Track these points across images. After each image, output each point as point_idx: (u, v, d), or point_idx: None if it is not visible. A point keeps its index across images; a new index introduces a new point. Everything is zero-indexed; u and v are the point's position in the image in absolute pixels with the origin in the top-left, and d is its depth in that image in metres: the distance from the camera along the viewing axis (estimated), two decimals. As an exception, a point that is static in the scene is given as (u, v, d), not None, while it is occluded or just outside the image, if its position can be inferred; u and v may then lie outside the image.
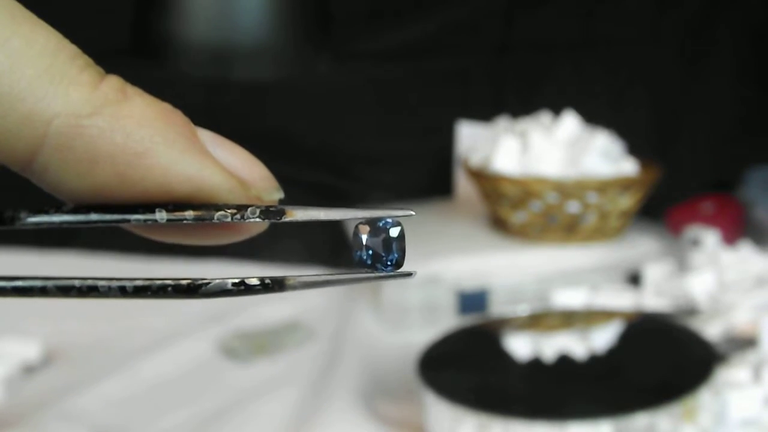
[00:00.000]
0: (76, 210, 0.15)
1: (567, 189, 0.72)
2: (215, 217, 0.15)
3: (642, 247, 0.76)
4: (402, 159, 0.95)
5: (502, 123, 0.82)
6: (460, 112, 0.92)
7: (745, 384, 0.50)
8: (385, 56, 0.93)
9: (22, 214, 0.15)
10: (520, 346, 0.56)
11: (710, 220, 0.79)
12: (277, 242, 0.78)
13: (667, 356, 0.53)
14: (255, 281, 0.15)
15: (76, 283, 0.15)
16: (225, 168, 0.15)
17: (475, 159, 0.79)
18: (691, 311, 0.64)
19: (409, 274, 0.17)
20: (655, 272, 0.70)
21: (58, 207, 0.15)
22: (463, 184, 0.89)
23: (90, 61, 0.14)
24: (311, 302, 0.73)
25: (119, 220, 0.15)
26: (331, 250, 0.81)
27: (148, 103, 0.14)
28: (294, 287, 0.16)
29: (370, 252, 0.16)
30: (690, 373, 0.47)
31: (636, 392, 0.48)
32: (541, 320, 0.60)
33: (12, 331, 0.65)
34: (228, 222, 0.15)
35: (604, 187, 0.72)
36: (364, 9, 0.92)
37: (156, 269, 0.79)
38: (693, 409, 0.45)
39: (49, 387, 0.59)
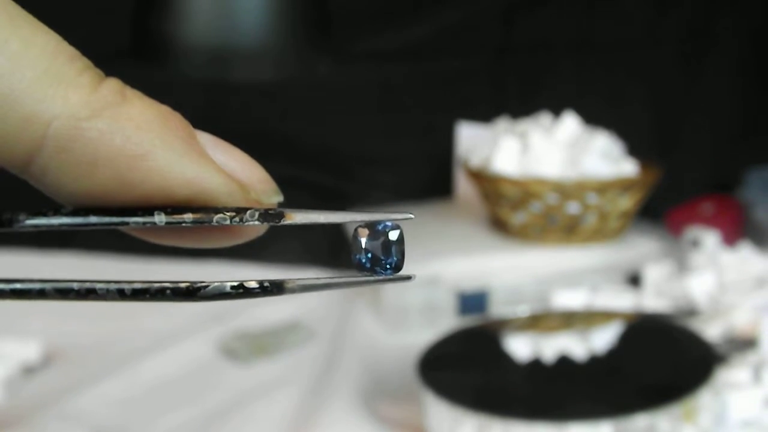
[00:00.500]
0: (74, 212, 0.15)
1: (567, 190, 0.72)
2: (214, 220, 0.15)
3: (642, 248, 0.76)
4: (402, 160, 0.95)
5: (502, 124, 0.82)
6: (460, 112, 0.92)
7: (745, 385, 0.50)
8: (385, 57, 0.93)
9: (21, 216, 0.15)
10: (520, 346, 0.56)
11: (710, 221, 0.79)
12: (277, 243, 0.78)
13: (667, 357, 0.53)
14: (254, 284, 0.15)
15: (75, 285, 0.15)
16: (224, 171, 0.15)
17: (475, 160, 0.79)
18: (691, 312, 0.64)
19: (408, 278, 0.17)
20: (655, 273, 0.70)
21: (57, 209, 0.15)
22: (463, 185, 0.89)
23: (89, 63, 0.14)
24: (311, 303, 0.73)
25: (118, 223, 0.15)
26: (331, 251, 0.81)
27: (147, 106, 0.14)
28: (293, 290, 0.16)
29: (370, 255, 0.16)
30: (690, 374, 0.47)
31: (636, 393, 0.48)
32: (541, 321, 0.60)
33: (12, 332, 0.65)
34: (227, 225, 0.15)
35: (604, 187, 0.72)
36: (365, 10, 0.92)
37: (155, 270, 0.79)
38: (693, 410, 0.45)
39: (49, 387, 0.59)
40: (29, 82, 0.13)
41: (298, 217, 0.16)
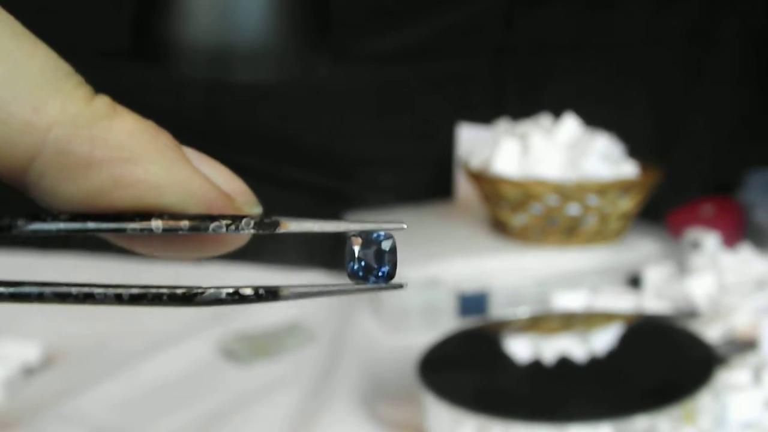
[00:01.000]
0: (72, 218, 0.15)
1: (567, 191, 0.72)
2: (210, 228, 0.15)
3: (642, 250, 0.76)
4: (402, 161, 0.95)
5: (503, 125, 0.82)
6: (461, 114, 0.92)
7: (745, 386, 0.50)
8: (385, 58, 0.93)
9: (20, 222, 0.15)
10: (520, 348, 0.56)
11: (710, 223, 0.79)
12: (273, 246, 0.78)
13: (667, 358, 0.53)
14: (249, 291, 0.16)
15: (73, 290, 0.16)
16: (210, 180, 0.16)
17: (476, 161, 0.79)
18: (692, 314, 0.64)
19: (399, 286, 0.17)
20: (656, 275, 0.70)
21: (55, 215, 0.15)
22: (463, 187, 0.89)
23: (82, 79, 0.15)
24: (311, 304, 0.73)
25: (115, 229, 0.15)
26: (328, 254, 0.81)
27: (137, 119, 0.15)
28: (287, 297, 0.16)
29: (363, 263, 0.17)
30: (690, 376, 0.47)
31: (636, 394, 0.48)
32: (541, 322, 0.60)
33: (12, 333, 0.65)
34: (223, 233, 0.16)
35: (604, 189, 0.72)
36: (365, 11, 0.93)
37: (152, 272, 0.78)
38: (693, 412, 0.45)
39: (49, 389, 0.59)
40: (31, 91, 0.14)
41: (292, 226, 0.16)
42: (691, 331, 0.55)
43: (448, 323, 0.66)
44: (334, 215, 0.83)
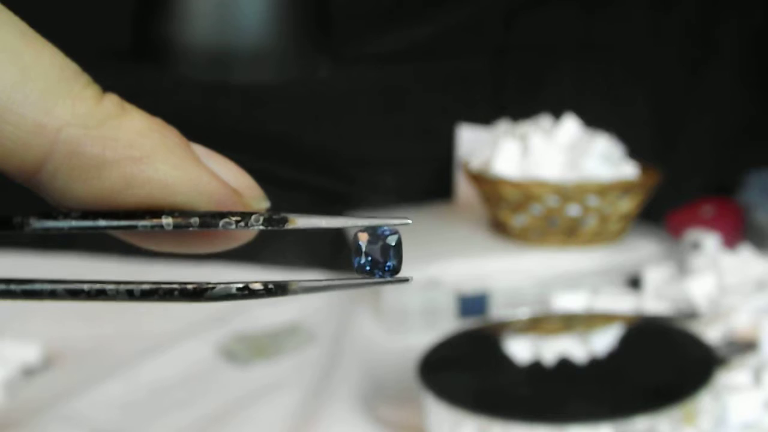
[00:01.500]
0: (83, 216, 0.15)
1: (567, 192, 0.72)
2: (220, 224, 0.16)
3: (642, 251, 0.76)
4: (402, 162, 0.95)
5: (503, 126, 0.82)
6: (461, 115, 0.92)
7: (745, 387, 0.50)
8: (385, 59, 0.93)
9: (31, 220, 0.15)
10: (520, 349, 0.56)
11: (710, 224, 0.79)
12: (280, 245, 0.78)
13: (667, 359, 0.53)
14: (258, 286, 0.16)
15: (85, 287, 0.16)
16: (218, 176, 0.16)
17: (476, 162, 0.79)
18: (692, 314, 0.64)
19: (405, 280, 0.17)
20: (656, 275, 0.70)
21: (66, 213, 0.15)
22: (463, 188, 0.89)
23: (90, 79, 0.15)
24: (311, 305, 0.73)
25: (127, 227, 0.16)
26: (332, 253, 0.81)
27: (146, 117, 0.16)
28: (296, 292, 0.16)
29: (369, 258, 0.17)
30: (690, 377, 0.47)
31: (636, 395, 0.48)
32: (541, 323, 0.60)
33: (12, 334, 0.65)
34: (232, 229, 0.16)
35: (604, 190, 0.72)
36: (365, 12, 0.93)
37: (158, 271, 0.79)
38: (693, 413, 0.45)
39: (49, 390, 0.59)
40: (41, 93, 0.14)
41: (301, 222, 0.16)
42: (691, 332, 0.55)
43: (448, 324, 0.66)
44: (337, 214, 0.83)
